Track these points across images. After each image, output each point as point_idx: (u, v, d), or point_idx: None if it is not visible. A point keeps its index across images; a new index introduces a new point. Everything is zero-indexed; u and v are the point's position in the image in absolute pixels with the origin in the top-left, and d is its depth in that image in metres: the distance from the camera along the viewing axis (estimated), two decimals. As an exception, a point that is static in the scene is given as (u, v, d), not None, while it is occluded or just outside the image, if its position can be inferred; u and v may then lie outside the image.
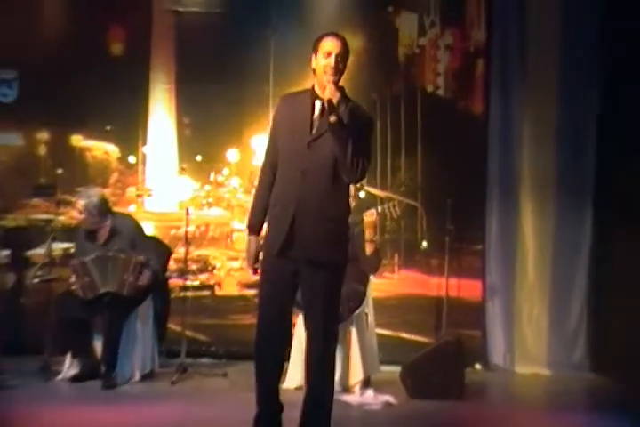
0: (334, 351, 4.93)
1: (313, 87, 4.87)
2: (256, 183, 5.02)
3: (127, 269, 6.54)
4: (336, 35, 4.85)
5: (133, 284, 6.55)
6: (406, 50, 7.86)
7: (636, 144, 7.05)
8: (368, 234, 6.20)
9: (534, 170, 7.63)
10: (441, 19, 7.76)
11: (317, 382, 4.89)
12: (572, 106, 7.58)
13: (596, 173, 7.56)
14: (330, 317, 4.86)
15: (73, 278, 6.58)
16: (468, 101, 7.84)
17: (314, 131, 4.80)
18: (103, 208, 6.67)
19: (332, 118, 4.63)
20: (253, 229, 4.94)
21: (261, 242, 4.90)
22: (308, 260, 4.77)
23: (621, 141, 7.27)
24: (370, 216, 6.11)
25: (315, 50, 4.82)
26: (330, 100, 4.65)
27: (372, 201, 7.37)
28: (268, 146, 4.96)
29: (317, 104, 4.82)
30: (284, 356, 5.14)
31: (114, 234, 6.68)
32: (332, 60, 4.74)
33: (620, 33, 7.26)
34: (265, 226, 4.93)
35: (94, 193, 6.73)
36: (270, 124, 5.04)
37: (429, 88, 7.84)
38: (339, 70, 4.76)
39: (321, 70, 4.77)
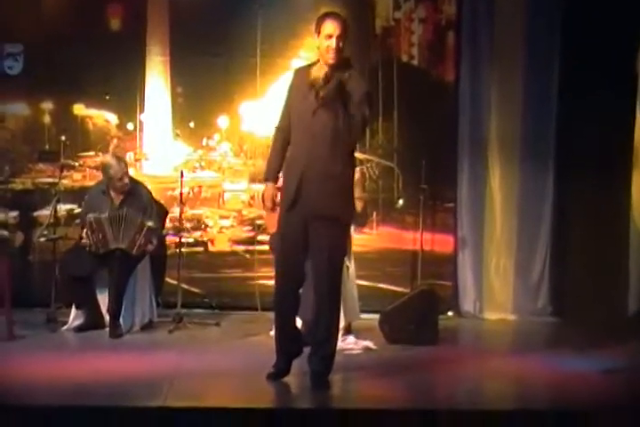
0: (339, 298, 5.10)
1: (319, 61, 4.94)
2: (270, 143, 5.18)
3: (140, 232, 6.43)
4: (336, 16, 4.94)
5: (143, 247, 6.45)
6: (383, 22, 7.76)
7: (592, 110, 6.99)
8: (357, 192, 6.08)
9: (501, 133, 7.55)
10: (415, -7, 7.63)
11: (323, 325, 5.01)
12: (535, 75, 7.48)
13: (556, 135, 7.49)
14: (335, 267, 4.97)
15: (85, 233, 6.44)
16: (440, 70, 7.76)
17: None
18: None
19: (320, 94, 4.78)
20: (270, 177, 5.07)
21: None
22: (315, 214, 4.87)
23: (579, 108, 7.21)
24: (356, 174, 5.98)
25: (317, 30, 4.89)
26: (315, 79, 4.82)
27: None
28: (283, 111, 5.06)
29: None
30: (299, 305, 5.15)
31: (128, 198, 6.57)
32: (332, 43, 4.84)
33: (581, 6, 7.14)
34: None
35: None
36: (287, 92, 5.08)
37: (404, 58, 7.76)
38: (340, 50, 4.85)
39: (324, 50, 4.85)
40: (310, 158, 4.88)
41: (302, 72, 5.02)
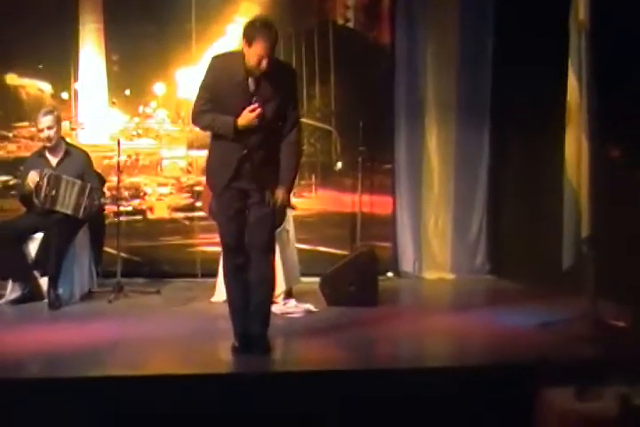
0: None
1: (243, 59, 4.71)
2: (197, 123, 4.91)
3: (83, 194, 6.32)
4: (269, 34, 4.65)
5: (88, 208, 6.34)
6: (318, -15, 7.66)
7: (527, 69, 6.99)
8: None
9: (437, 94, 7.57)
10: (349, -45, 7.57)
11: (263, 287, 4.98)
12: (470, 36, 7.50)
13: (492, 96, 7.53)
14: (274, 230, 5.06)
15: (39, 183, 6.24)
16: (376, 33, 7.72)
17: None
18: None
19: None
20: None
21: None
22: (254, 189, 4.85)
23: (514, 68, 7.21)
24: None
25: (247, 41, 4.66)
26: None
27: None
28: (203, 97, 4.81)
29: (250, 81, 4.73)
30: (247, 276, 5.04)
31: (65, 161, 6.44)
32: (264, 63, 4.67)
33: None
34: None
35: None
36: (207, 78, 4.80)
37: (340, 21, 7.68)
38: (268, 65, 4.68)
39: (254, 62, 4.66)
40: (248, 148, 4.78)
41: (225, 62, 4.83)
